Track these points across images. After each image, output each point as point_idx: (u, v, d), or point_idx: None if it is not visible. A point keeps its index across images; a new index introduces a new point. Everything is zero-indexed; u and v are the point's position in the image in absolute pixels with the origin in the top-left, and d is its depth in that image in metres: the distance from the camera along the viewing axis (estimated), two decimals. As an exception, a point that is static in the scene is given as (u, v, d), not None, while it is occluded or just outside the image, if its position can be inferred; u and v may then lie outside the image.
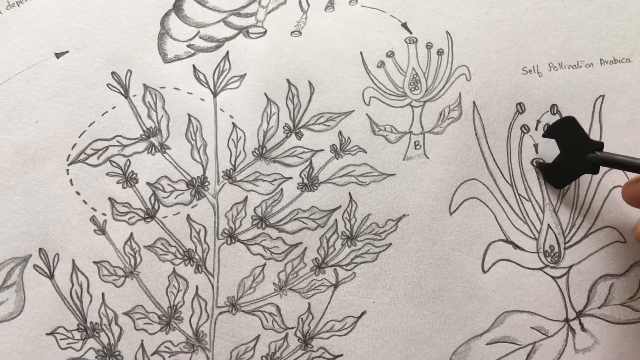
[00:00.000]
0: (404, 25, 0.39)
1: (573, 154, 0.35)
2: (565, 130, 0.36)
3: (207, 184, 0.37)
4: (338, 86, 0.38)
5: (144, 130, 0.37)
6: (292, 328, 0.35)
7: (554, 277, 0.36)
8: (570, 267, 0.37)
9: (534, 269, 0.36)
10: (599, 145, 0.35)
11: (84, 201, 0.36)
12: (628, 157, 0.34)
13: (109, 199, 0.36)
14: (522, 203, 0.37)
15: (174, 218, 0.36)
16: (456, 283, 0.36)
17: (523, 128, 0.38)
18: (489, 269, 0.36)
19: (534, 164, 0.37)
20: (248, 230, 0.36)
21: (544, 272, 0.36)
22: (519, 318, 0.36)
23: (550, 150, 0.37)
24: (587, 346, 0.36)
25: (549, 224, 0.37)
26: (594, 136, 0.38)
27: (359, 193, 0.37)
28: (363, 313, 0.36)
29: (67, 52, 0.38)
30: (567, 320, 0.36)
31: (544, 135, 0.37)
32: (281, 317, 0.35)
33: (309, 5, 0.39)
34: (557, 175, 0.36)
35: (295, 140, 0.37)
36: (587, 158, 0.35)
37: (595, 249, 0.37)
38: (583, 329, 0.36)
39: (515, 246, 0.37)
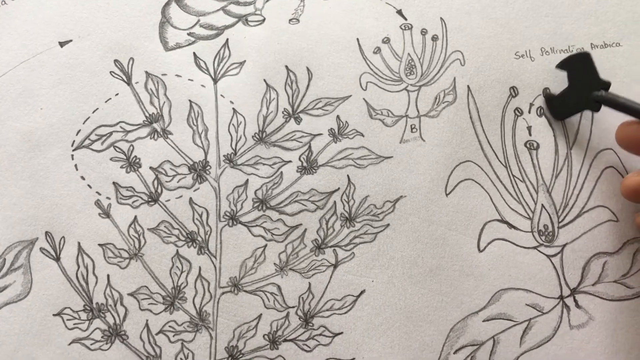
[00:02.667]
0: (399, 12, 0.41)
1: (580, 89, 0.38)
2: (578, 65, 0.38)
3: (208, 168, 0.39)
4: (335, 72, 0.40)
5: (146, 116, 0.39)
6: (293, 307, 0.37)
7: (548, 256, 0.38)
8: (564, 245, 0.39)
9: (528, 247, 0.39)
10: (606, 85, 0.37)
11: (88, 185, 0.38)
12: (630, 100, 0.36)
13: (113, 183, 0.38)
14: (516, 184, 0.39)
15: (176, 201, 0.38)
16: (453, 262, 0.38)
17: (516, 111, 0.40)
18: (485, 248, 0.38)
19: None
20: (249, 213, 0.38)
21: (539, 250, 0.39)
22: (515, 295, 0.38)
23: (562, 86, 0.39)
24: (582, 322, 0.38)
25: (542, 204, 0.39)
26: (586, 118, 0.40)
27: (357, 175, 0.39)
28: (362, 292, 0.38)
29: (71, 40, 0.40)
30: (561, 297, 0.38)
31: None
32: (282, 297, 0.37)
33: (306, -7, 0.41)
34: (559, 107, 0.39)
35: (294, 125, 0.40)
36: (592, 95, 0.37)
37: (588, 228, 0.39)
38: (577, 305, 0.38)
39: (510, 226, 0.39)
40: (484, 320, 0.38)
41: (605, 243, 0.39)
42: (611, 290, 0.38)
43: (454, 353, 0.37)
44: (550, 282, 0.38)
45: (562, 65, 0.39)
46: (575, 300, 0.38)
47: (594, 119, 0.41)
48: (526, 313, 0.38)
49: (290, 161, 0.39)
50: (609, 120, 0.41)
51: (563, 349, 0.37)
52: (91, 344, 0.37)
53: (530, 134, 0.40)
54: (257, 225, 0.38)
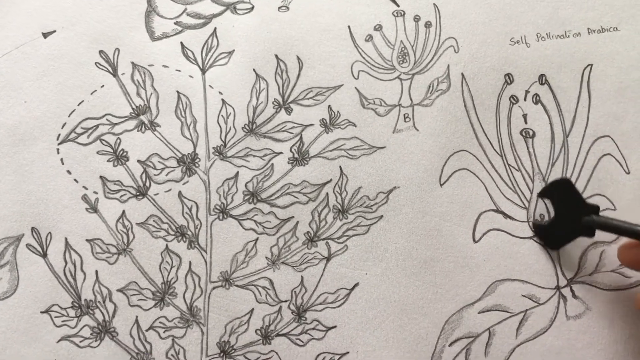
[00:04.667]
0: (391, -2, 0.42)
1: (568, 216, 0.38)
2: (560, 192, 0.38)
3: (197, 160, 0.39)
4: (326, 61, 0.41)
5: (133, 109, 0.39)
6: (285, 301, 0.38)
7: (544, 246, 0.39)
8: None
9: (524, 237, 0.39)
10: (595, 209, 0.37)
11: (75, 180, 0.38)
12: (624, 222, 0.36)
13: (100, 177, 0.38)
14: (511, 173, 0.40)
15: (165, 195, 0.39)
16: (447, 253, 0.38)
17: (512, 99, 0.41)
18: (480, 238, 0.39)
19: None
20: (240, 206, 0.39)
21: (535, 240, 0.39)
22: (510, 286, 0.38)
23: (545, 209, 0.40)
24: (579, 313, 0.38)
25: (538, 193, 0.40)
26: (583, 105, 0.41)
27: (350, 166, 0.39)
28: (356, 285, 0.38)
29: (55, 31, 0.40)
30: (558, 287, 0.39)
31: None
32: (274, 291, 0.38)
33: (295, -20, 0.41)
34: (552, 237, 0.39)
35: (285, 115, 0.40)
36: (583, 221, 0.37)
37: (585, 217, 0.39)
38: (574, 295, 0.38)
39: (506, 216, 0.39)
40: (479, 312, 0.38)
41: (603, 232, 0.39)
42: (608, 280, 0.39)
43: (449, 345, 0.38)
44: (547, 273, 0.39)
45: (543, 194, 0.39)
46: (572, 291, 0.39)
47: (590, 106, 0.41)
48: (522, 304, 0.38)
49: (281, 152, 0.40)
50: (607, 106, 0.41)
51: (560, 340, 0.38)
52: (80, 341, 0.37)
53: (525, 122, 0.41)
54: (248, 219, 0.39)
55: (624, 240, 0.38)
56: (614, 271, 0.39)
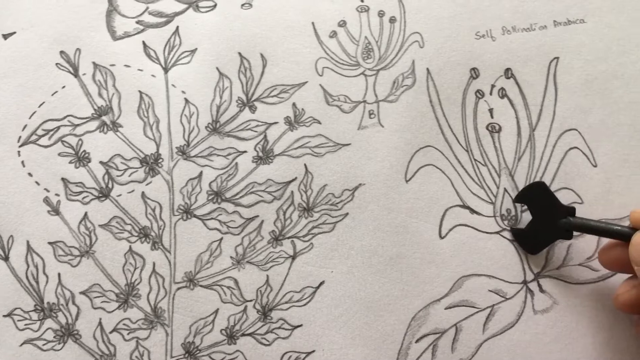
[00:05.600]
0: (355, -6, 0.42)
1: (545, 219, 0.38)
2: (535, 195, 0.38)
3: (161, 160, 0.39)
4: (290, 58, 0.41)
5: (95, 109, 0.40)
6: (250, 301, 0.38)
7: (511, 240, 0.39)
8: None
9: (491, 232, 0.39)
10: (571, 211, 0.38)
11: (36, 182, 0.39)
12: (601, 222, 0.36)
13: (62, 179, 0.39)
14: (478, 168, 0.40)
15: (128, 196, 0.39)
16: (414, 250, 0.39)
17: (478, 93, 0.41)
18: (446, 234, 0.39)
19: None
20: (204, 206, 0.39)
21: (501, 235, 0.39)
22: (477, 282, 0.39)
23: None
24: (546, 307, 0.39)
25: (505, 188, 0.40)
26: (549, 99, 0.41)
27: (315, 164, 0.40)
28: (321, 283, 0.38)
29: (15, 33, 0.40)
30: (525, 282, 0.39)
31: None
32: (239, 290, 0.38)
33: (257, -23, 0.42)
34: (530, 242, 0.39)
35: (249, 114, 0.40)
36: (559, 224, 0.37)
37: (552, 212, 0.40)
38: (541, 290, 0.39)
39: (472, 211, 0.40)
40: (446, 308, 0.39)
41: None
42: (576, 274, 0.39)
43: (416, 342, 0.38)
44: (514, 267, 0.39)
45: (519, 199, 0.39)
46: (539, 285, 0.39)
47: (557, 99, 0.41)
48: (489, 299, 0.39)
49: (245, 151, 0.40)
50: (574, 99, 0.41)
51: (527, 335, 0.38)
52: (43, 345, 0.37)
53: (492, 117, 0.41)
54: (212, 218, 0.39)
55: (603, 241, 0.38)
56: (581, 265, 0.40)
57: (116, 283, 0.38)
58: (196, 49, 0.41)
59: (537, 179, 0.40)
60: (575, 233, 0.38)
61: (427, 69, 0.41)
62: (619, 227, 0.35)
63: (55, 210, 0.39)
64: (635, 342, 0.38)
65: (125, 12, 0.41)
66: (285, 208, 0.40)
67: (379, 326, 0.38)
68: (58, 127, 0.40)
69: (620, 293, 0.36)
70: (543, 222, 0.38)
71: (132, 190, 0.39)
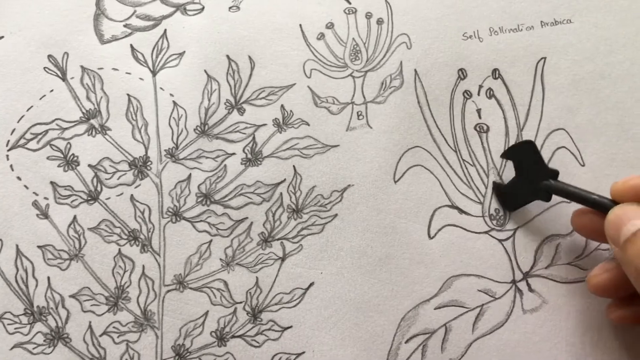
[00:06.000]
0: (343, -4, 0.42)
1: (528, 179, 0.39)
2: (523, 154, 0.39)
3: (149, 163, 0.39)
4: (278, 60, 0.41)
5: (83, 113, 0.40)
6: (240, 302, 0.38)
7: (499, 240, 0.40)
8: (516, 229, 0.40)
9: (479, 232, 0.40)
10: (554, 174, 0.38)
11: (25, 186, 0.39)
12: (580, 189, 0.37)
13: (51, 182, 0.39)
14: (466, 168, 0.41)
15: (117, 199, 0.39)
16: (403, 250, 0.39)
17: (465, 94, 0.41)
18: (435, 234, 0.40)
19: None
20: (193, 208, 0.39)
21: (490, 235, 0.40)
22: (466, 282, 0.39)
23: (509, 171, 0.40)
24: (535, 306, 0.39)
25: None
26: (537, 99, 0.42)
27: (303, 166, 0.40)
28: (311, 284, 0.39)
29: (2, 37, 0.41)
30: (514, 281, 0.39)
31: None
32: (229, 292, 0.38)
33: (245, -21, 0.42)
34: (509, 198, 0.40)
35: (237, 116, 0.40)
36: (541, 185, 0.38)
37: (540, 210, 0.40)
38: (530, 289, 0.39)
39: (461, 211, 0.40)
40: (435, 308, 0.39)
41: (558, 225, 0.40)
42: (565, 273, 0.40)
43: (406, 342, 0.38)
44: (503, 267, 0.40)
45: (506, 155, 0.40)
46: (528, 284, 0.40)
47: (544, 99, 0.42)
48: (478, 299, 0.39)
49: (234, 153, 0.40)
50: (561, 99, 0.42)
51: (516, 334, 0.39)
52: (33, 348, 0.37)
53: (480, 117, 0.41)
54: (201, 221, 0.39)
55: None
56: (570, 264, 0.40)
57: (106, 286, 0.38)
58: (184, 51, 0.41)
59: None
60: (561, 233, 0.38)
61: (415, 70, 0.42)
62: (598, 197, 0.36)
63: (44, 214, 0.39)
64: (624, 341, 0.39)
65: (112, 16, 0.42)
66: (274, 210, 0.40)
67: (369, 327, 0.39)
68: (46, 131, 0.40)
69: (593, 275, 0.36)
70: (526, 180, 0.39)
71: (121, 193, 0.39)
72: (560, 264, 0.40)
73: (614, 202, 0.35)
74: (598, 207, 0.35)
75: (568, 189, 0.37)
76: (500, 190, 0.40)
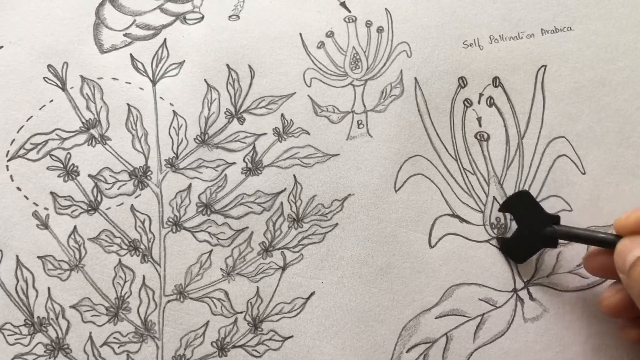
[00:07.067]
0: (343, 4, 0.43)
1: (531, 228, 0.39)
2: (519, 204, 0.39)
3: (149, 173, 0.40)
4: (278, 69, 0.42)
5: (83, 122, 0.40)
6: (241, 312, 0.39)
7: (501, 250, 0.40)
8: (517, 237, 0.40)
9: (480, 241, 0.40)
10: (556, 219, 0.39)
11: (25, 196, 0.39)
12: (585, 230, 0.38)
13: (51, 193, 0.39)
14: (467, 177, 0.41)
15: (117, 209, 0.40)
16: (403, 259, 0.40)
17: (466, 102, 0.42)
18: (436, 243, 0.40)
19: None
20: (193, 218, 0.40)
21: (491, 244, 0.40)
22: (467, 290, 0.40)
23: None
24: (536, 315, 0.40)
25: (494, 196, 0.41)
26: (537, 107, 0.42)
27: (304, 175, 0.41)
28: (312, 294, 0.39)
29: (2, 47, 0.41)
30: (515, 290, 0.40)
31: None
32: (230, 302, 0.39)
33: (245, -12, 0.43)
34: (516, 250, 0.40)
35: (237, 125, 0.41)
36: (545, 232, 0.38)
37: (541, 219, 0.41)
38: (531, 298, 0.40)
39: (462, 220, 0.41)
40: (436, 317, 0.39)
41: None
42: (565, 281, 0.40)
43: (407, 352, 0.39)
44: (503, 276, 0.40)
45: (504, 209, 0.40)
46: (529, 293, 0.40)
47: (545, 107, 0.42)
48: (479, 308, 0.40)
49: (234, 163, 0.41)
50: (562, 107, 0.42)
51: (517, 343, 0.39)
52: (34, 359, 0.38)
53: (480, 125, 0.42)
54: (201, 230, 0.40)
55: (589, 248, 0.40)
56: (571, 272, 0.41)
57: (106, 296, 0.39)
58: (184, 61, 0.42)
59: (526, 187, 0.41)
60: (562, 241, 0.39)
61: (415, 79, 0.42)
62: (604, 235, 0.36)
63: (44, 224, 0.39)
64: (625, 349, 0.39)
65: (112, 25, 0.42)
66: (274, 219, 0.40)
67: (370, 336, 0.39)
68: (46, 141, 0.40)
69: (605, 297, 0.37)
70: (528, 230, 0.39)
71: (121, 203, 0.40)
72: (561, 272, 0.41)
73: (619, 237, 0.35)
74: (605, 244, 0.36)
75: (572, 231, 0.38)
76: (505, 244, 0.40)
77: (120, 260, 0.39)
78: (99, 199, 0.40)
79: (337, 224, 0.40)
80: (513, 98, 0.43)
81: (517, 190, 0.41)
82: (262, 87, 0.42)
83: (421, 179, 0.41)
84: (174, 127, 0.41)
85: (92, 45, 0.42)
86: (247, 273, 0.40)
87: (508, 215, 0.41)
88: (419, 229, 0.41)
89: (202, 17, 0.43)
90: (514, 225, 0.41)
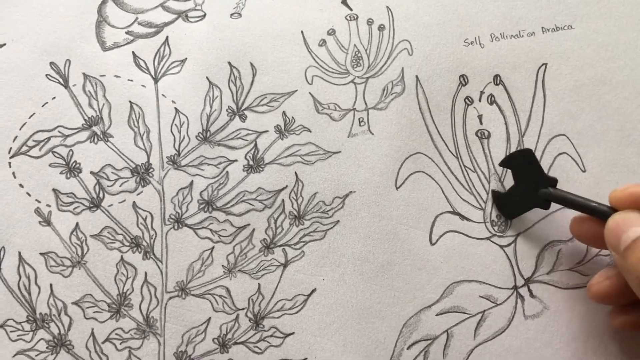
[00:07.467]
0: (344, 2, 0.43)
1: (527, 186, 0.40)
2: (521, 162, 0.40)
3: (151, 170, 0.40)
4: (280, 66, 0.42)
5: (85, 120, 0.41)
6: (242, 309, 0.39)
7: (501, 246, 0.41)
8: (517, 235, 0.41)
9: (481, 238, 0.41)
10: (553, 181, 0.39)
11: (27, 193, 0.40)
12: (579, 196, 0.38)
13: (53, 189, 0.40)
14: (467, 174, 0.42)
15: (119, 206, 0.40)
16: (404, 256, 0.40)
17: (467, 100, 0.42)
18: (437, 241, 0.41)
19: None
20: (195, 215, 0.40)
21: (491, 241, 0.41)
22: (468, 288, 0.40)
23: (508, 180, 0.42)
24: (537, 312, 0.40)
25: (495, 194, 0.41)
26: (538, 105, 0.42)
27: (305, 172, 0.41)
28: (313, 291, 0.40)
29: (4, 44, 0.41)
30: (515, 287, 0.40)
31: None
32: (231, 299, 0.39)
33: (247, -14, 0.43)
34: (508, 206, 0.41)
35: (239, 123, 0.41)
36: (540, 193, 0.39)
37: (542, 216, 0.41)
38: (532, 295, 0.40)
39: (462, 217, 0.41)
40: (437, 314, 0.40)
41: (560, 231, 0.41)
42: (566, 279, 0.41)
43: (408, 349, 0.39)
44: (504, 273, 0.41)
45: (505, 163, 0.41)
46: (529, 290, 0.40)
47: (546, 105, 0.43)
48: (480, 305, 0.40)
49: (236, 160, 0.41)
50: (562, 105, 0.42)
51: (518, 340, 0.40)
52: (36, 355, 0.38)
53: (481, 123, 0.42)
54: (203, 227, 0.40)
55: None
56: (571, 269, 0.41)
57: (108, 293, 0.39)
58: (186, 58, 0.42)
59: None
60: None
61: (416, 76, 0.43)
62: (597, 204, 0.37)
63: (47, 221, 0.40)
64: (626, 346, 0.40)
65: (114, 23, 0.42)
66: (276, 216, 0.41)
67: (371, 333, 0.39)
68: (48, 138, 0.41)
69: (594, 283, 0.37)
70: (524, 188, 0.40)
71: (123, 200, 0.40)
72: (561, 269, 0.41)
73: (613, 210, 0.35)
74: (597, 214, 0.36)
75: (567, 196, 0.38)
76: (498, 198, 0.41)
77: (122, 257, 0.40)
78: (101, 195, 0.40)
79: (338, 221, 0.41)
80: (514, 96, 0.43)
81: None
82: (264, 85, 0.42)
83: (422, 177, 0.42)
84: (175, 125, 0.41)
85: (95, 43, 0.42)
86: (249, 270, 0.40)
87: (501, 171, 0.41)
88: (420, 226, 0.41)
89: (204, 15, 0.43)
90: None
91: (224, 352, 0.39)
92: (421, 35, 0.43)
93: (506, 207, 0.41)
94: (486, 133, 0.42)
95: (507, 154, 0.42)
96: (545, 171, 0.42)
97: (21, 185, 0.40)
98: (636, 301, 0.35)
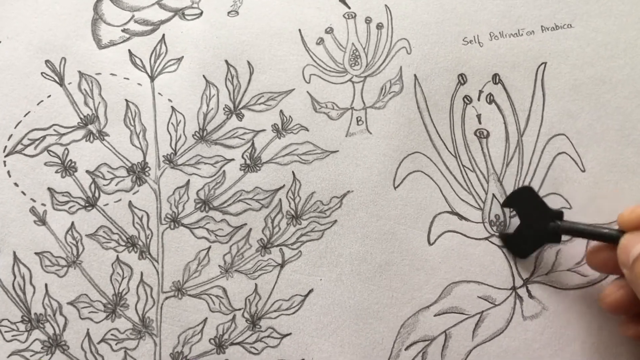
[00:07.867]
0: (342, 0, 0.43)
1: (534, 223, 0.40)
2: (523, 200, 0.40)
3: (147, 169, 0.40)
4: (277, 65, 0.42)
5: (81, 118, 0.41)
6: (239, 309, 0.39)
7: (500, 246, 0.41)
8: (516, 235, 0.41)
9: (479, 239, 0.41)
10: (559, 214, 0.39)
11: (22, 192, 0.40)
12: (589, 225, 0.38)
13: (48, 188, 0.40)
14: (466, 174, 0.41)
15: (115, 205, 0.40)
16: (402, 257, 0.40)
17: (465, 99, 0.42)
18: (435, 241, 0.40)
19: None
20: (191, 214, 0.40)
21: (490, 241, 0.41)
22: (466, 288, 0.40)
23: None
24: (535, 313, 0.40)
25: (493, 194, 0.41)
26: (537, 104, 0.42)
27: (303, 171, 0.41)
28: (310, 291, 0.39)
29: (0, 42, 0.41)
30: (514, 288, 0.40)
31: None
32: (228, 299, 0.39)
33: (244, -16, 0.43)
34: (519, 246, 0.40)
35: (236, 122, 0.41)
36: (548, 227, 0.39)
37: (541, 217, 0.41)
38: (530, 296, 0.40)
39: (461, 217, 0.41)
40: (435, 315, 0.40)
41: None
42: (565, 279, 0.41)
43: (405, 349, 0.39)
44: (503, 273, 0.40)
45: (507, 204, 0.41)
46: (528, 291, 0.40)
47: (545, 104, 0.43)
48: (478, 306, 0.40)
49: (232, 159, 0.41)
50: (562, 104, 0.42)
51: (516, 341, 0.40)
52: (31, 356, 0.38)
53: (480, 122, 0.42)
54: (200, 227, 0.40)
55: (591, 243, 0.40)
56: (570, 270, 0.41)
57: (104, 293, 0.39)
58: (182, 57, 0.42)
59: (526, 184, 0.42)
60: (564, 237, 0.39)
61: (415, 75, 0.43)
62: (607, 230, 0.37)
63: (42, 221, 0.40)
64: (625, 347, 0.40)
65: (110, 21, 0.42)
66: (273, 216, 0.41)
67: (368, 334, 0.39)
68: (44, 137, 0.41)
69: (607, 294, 0.37)
70: (531, 226, 0.39)
71: (119, 200, 0.40)
72: (560, 270, 0.41)
73: (622, 232, 0.36)
74: (609, 239, 0.37)
75: (576, 227, 0.38)
76: (508, 240, 0.41)
77: (118, 256, 0.40)
78: (96, 195, 0.40)
79: (335, 221, 0.41)
80: (513, 95, 0.43)
81: (518, 187, 0.41)
82: (261, 84, 0.42)
83: (420, 176, 0.42)
84: (172, 123, 0.41)
85: (90, 41, 0.42)
86: (246, 270, 0.40)
87: (507, 213, 0.41)
88: (418, 226, 0.41)
89: (201, 13, 0.43)
90: (513, 222, 0.41)
91: (221, 353, 0.39)
92: (420, 33, 0.43)
93: (517, 247, 0.40)
94: (485, 132, 0.42)
95: (506, 153, 0.42)
96: (545, 171, 0.42)
97: (16, 184, 0.40)
98: None
